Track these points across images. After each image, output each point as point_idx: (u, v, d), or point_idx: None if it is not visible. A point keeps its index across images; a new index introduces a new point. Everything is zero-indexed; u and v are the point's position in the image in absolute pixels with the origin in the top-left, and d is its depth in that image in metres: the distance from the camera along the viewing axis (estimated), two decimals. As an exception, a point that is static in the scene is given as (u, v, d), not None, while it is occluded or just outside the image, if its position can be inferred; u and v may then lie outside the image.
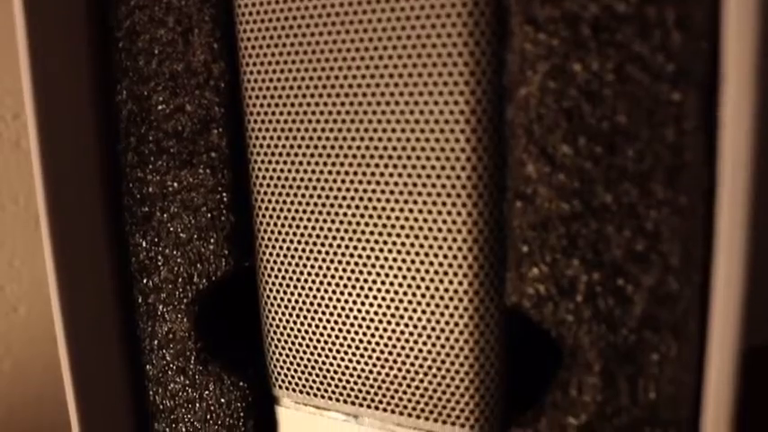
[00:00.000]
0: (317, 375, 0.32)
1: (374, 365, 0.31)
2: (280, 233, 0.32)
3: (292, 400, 0.34)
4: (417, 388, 0.30)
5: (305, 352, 0.33)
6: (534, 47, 0.26)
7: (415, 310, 0.30)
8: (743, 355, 0.24)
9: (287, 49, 0.30)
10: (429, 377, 0.30)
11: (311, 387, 0.33)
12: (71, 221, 0.35)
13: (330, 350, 0.32)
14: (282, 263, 0.32)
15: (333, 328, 0.32)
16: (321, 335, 0.32)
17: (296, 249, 0.32)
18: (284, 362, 0.33)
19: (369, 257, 0.30)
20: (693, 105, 0.24)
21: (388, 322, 0.30)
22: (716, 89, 0.24)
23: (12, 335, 0.58)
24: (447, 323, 0.29)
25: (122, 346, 0.37)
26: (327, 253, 0.31)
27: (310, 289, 0.32)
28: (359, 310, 0.31)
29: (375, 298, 0.30)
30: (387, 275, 0.30)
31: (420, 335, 0.30)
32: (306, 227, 0.31)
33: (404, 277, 0.29)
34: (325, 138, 0.30)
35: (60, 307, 0.34)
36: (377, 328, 0.30)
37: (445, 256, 0.28)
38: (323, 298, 0.31)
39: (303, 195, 0.31)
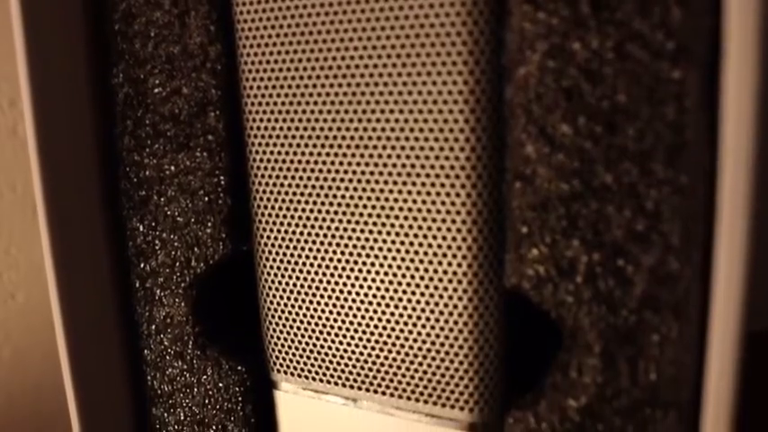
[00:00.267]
0: (316, 359, 0.32)
1: (373, 349, 0.31)
2: (277, 216, 0.32)
3: (291, 384, 0.34)
4: (416, 371, 0.30)
5: (303, 336, 0.32)
6: (533, 26, 0.26)
7: (413, 293, 0.29)
8: (745, 337, 0.24)
9: (283, 30, 0.30)
10: (428, 360, 0.30)
11: (310, 371, 0.33)
12: (68, 207, 0.34)
13: (329, 334, 0.32)
14: (280, 246, 0.32)
15: (331, 312, 0.31)
16: (319, 318, 0.32)
17: (294, 232, 0.31)
18: (282, 346, 0.33)
19: (367, 240, 0.30)
20: (694, 83, 0.24)
21: (387, 305, 0.30)
22: (717, 67, 0.24)
23: (10, 322, 0.58)
24: (446, 305, 0.29)
25: (120, 331, 0.37)
26: (325, 236, 0.31)
27: (308, 272, 0.32)
28: (357, 293, 0.31)
29: (374, 281, 0.30)
30: (385, 258, 0.30)
31: (419, 317, 0.29)
32: (304, 209, 0.31)
33: (402, 259, 0.29)
34: (323, 120, 0.30)
35: (58, 293, 0.34)
36: (375, 311, 0.30)
37: (444, 238, 0.28)
38: (321, 281, 0.31)
39: (301, 178, 0.31)
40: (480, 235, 0.28)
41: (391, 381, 0.31)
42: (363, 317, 0.31)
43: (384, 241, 0.29)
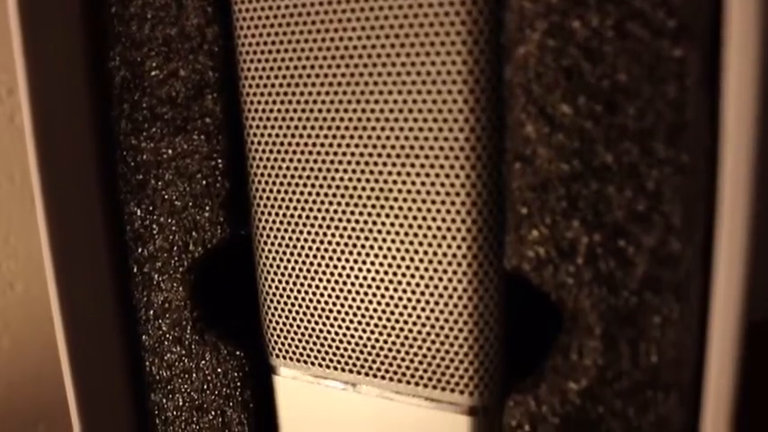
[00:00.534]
0: (315, 344, 0.32)
1: (372, 333, 0.31)
2: (276, 199, 0.31)
3: (290, 369, 0.33)
4: (416, 355, 0.30)
5: (302, 320, 0.32)
6: (532, 4, 0.26)
7: (413, 276, 0.29)
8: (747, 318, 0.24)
9: (281, 11, 0.30)
10: (428, 344, 0.30)
11: (309, 356, 0.33)
12: (65, 194, 0.34)
13: (327, 318, 0.32)
14: (279, 230, 0.32)
15: (330, 296, 0.31)
16: (318, 302, 0.32)
17: (292, 215, 0.31)
18: (281, 330, 0.33)
19: (366, 222, 0.30)
20: (695, 62, 0.24)
21: (386, 288, 0.30)
22: (718, 45, 0.23)
23: (9, 312, 0.58)
24: (446, 288, 0.29)
25: (118, 317, 0.37)
26: (324, 219, 0.31)
27: (307, 256, 0.31)
28: (356, 277, 0.30)
29: (373, 264, 0.30)
30: (384, 240, 0.29)
31: (418, 300, 0.29)
32: (302, 192, 0.31)
33: (401, 242, 0.29)
34: (321, 101, 0.29)
35: (56, 280, 0.34)
36: (375, 295, 0.30)
37: (443, 220, 0.28)
38: (320, 265, 0.31)
39: (299, 160, 0.30)
40: (480, 217, 0.28)
41: (390, 365, 0.31)
42: (363, 300, 0.30)
43: (383, 224, 0.29)
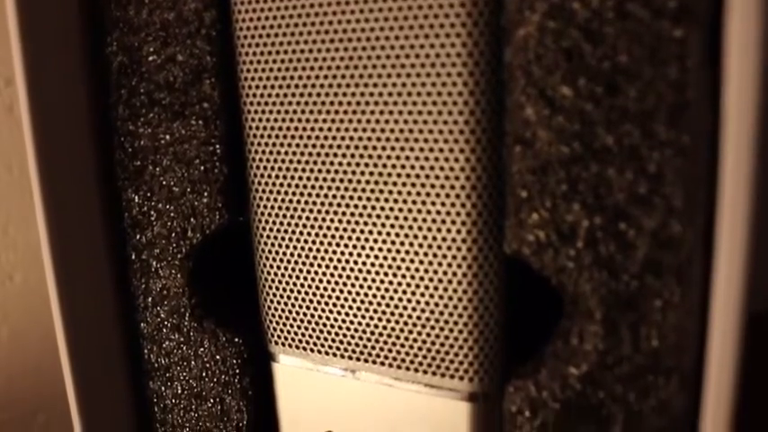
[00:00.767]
0: (314, 330, 0.32)
1: (371, 319, 0.30)
2: (274, 185, 0.31)
3: (289, 355, 0.33)
4: (415, 341, 0.30)
5: (301, 306, 0.32)
6: (533, -15, 0.25)
7: (412, 261, 0.29)
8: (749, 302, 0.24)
9: (279, -5, 0.29)
10: (427, 329, 0.29)
11: (307, 342, 0.32)
12: (63, 182, 0.34)
13: (326, 304, 0.31)
14: (277, 215, 0.32)
15: (329, 282, 0.31)
16: (317, 289, 0.31)
17: (291, 201, 0.31)
18: (280, 317, 0.33)
19: (365, 207, 0.29)
20: (696, 42, 0.24)
21: (385, 274, 0.30)
22: (719, 25, 0.23)
23: (8, 303, 0.58)
24: (445, 273, 0.28)
25: (117, 306, 0.37)
26: (323, 204, 0.30)
27: (306, 242, 0.31)
28: (356, 262, 0.30)
29: (372, 249, 0.30)
30: (383, 225, 0.29)
31: (418, 286, 0.29)
32: (301, 177, 0.31)
33: (400, 227, 0.29)
34: (320, 85, 0.29)
35: (54, 268, 0.34)
36: (374, 280, 0.30)
37: (443, 204, 0.28)
38: (319, 251, 0.31)
39: (298, 145, 0.30)
40: (480, 201, 0.27)
41: (390, 351, 0.30)
42: (362, 286, 0.30)
43: (382, 208, 0.29)
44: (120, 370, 0.37)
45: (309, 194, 0.31)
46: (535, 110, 0.26)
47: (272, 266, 0.32)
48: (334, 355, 0.32)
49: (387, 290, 0.30)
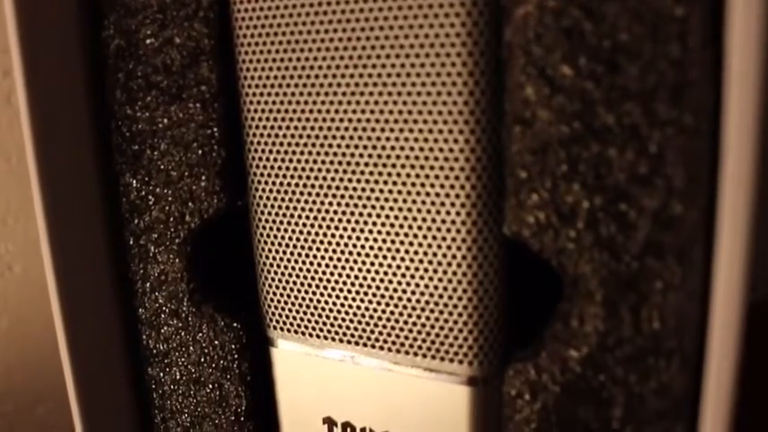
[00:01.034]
0: (313, 315, 0.32)
1: (371, 303, 0.30)
2: (272, 168, 0.31)
3: (287, 340, 0.33)
4: (414, 324, 0.30)
5: (300, 291, 0.32)
6: (533, -36, 0.25)
7: (411, 244, 0.29)
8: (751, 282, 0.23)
9: (277, -24, 0.29)
10: (426, 313, 0.29)
11: (306, 327, 0.32)
12: (61, 168, 0.34)
13: (325, 288, 0.31)
14: (276, 199, 0.31)
15: (328, 266, 0.31)
16: (316, 273, 0.31)
17: (289, 185, 0.31)
18: (279, 302, 0.33)
19: (364, 190, 0.29)
20: (698, 20, 0.23)
21: (384, 257, 0.29)
22: (721, 3, 0.23)
23: (8, 293, 0.58)
24: (444, 256, 0.28)
25: (115, 292, 0.37)
26: (322, 187, 0.30)
27: (304, 225, 0.31)
28: (355, 246, 0.30)
29: (371, 232, 0.29)
30: (382, 208, 0.29)
31: (417, 269, 0.29)
32: (299, 161, 0.30)
33: (399, 209, 0.29)
34: (318, 67, 0.29)
35: (52, 254, 0.34)
36: (373, 264, 0.30)
37: (442, 186, 0.28)
38: (317, 234, 0.31)
39: (296, 128, 0.30)
40: (479, 182, 0.27)
41: (389, 335, 0.30)
42: (361, 270, 0.30)
43: (381, 191, 0.29)
44: (119, 356, 0.37)
45: (308, 177, 0.30)
46: (535, 89, 0.26)
47: (270, 251, 0.32)
48: (333, 339, 0.32)
49: (386, 273, 0.30)
